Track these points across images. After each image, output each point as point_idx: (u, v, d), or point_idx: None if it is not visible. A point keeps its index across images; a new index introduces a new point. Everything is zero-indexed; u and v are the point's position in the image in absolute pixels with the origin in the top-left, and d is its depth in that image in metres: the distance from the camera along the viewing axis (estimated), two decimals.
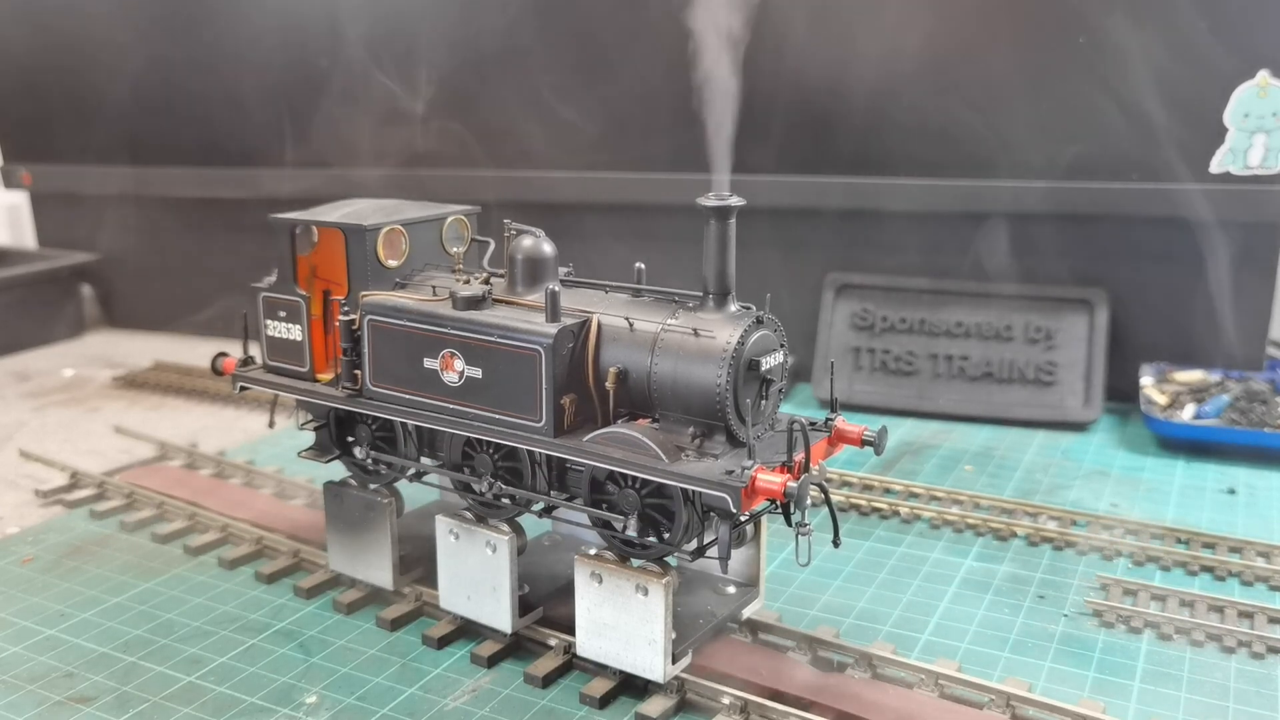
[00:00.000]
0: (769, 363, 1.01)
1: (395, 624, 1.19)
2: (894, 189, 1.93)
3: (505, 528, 1.11)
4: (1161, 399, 1.78)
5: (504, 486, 1.09)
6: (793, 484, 0.92)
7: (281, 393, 1.23)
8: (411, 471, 1.20)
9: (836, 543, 1.02)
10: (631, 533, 1.01)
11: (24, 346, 2.43)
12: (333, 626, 1.20)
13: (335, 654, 1.14)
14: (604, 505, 1.04)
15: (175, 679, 1.10)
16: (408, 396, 1.11)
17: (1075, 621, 1.20)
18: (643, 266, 1.12)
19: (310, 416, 1.26)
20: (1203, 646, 1.14)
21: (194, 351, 2.33)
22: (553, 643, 1.12)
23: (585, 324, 1.04)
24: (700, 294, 1.03)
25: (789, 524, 0.98)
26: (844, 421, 1.07)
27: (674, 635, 1.03)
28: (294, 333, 1.20)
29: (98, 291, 2.65)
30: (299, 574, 1.31)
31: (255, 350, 1.27)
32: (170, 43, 2.36)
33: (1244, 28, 1.74)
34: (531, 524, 1.21)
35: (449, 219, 1.23)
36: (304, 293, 1.19)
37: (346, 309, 1.13)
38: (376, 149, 2.28)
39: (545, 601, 1.16)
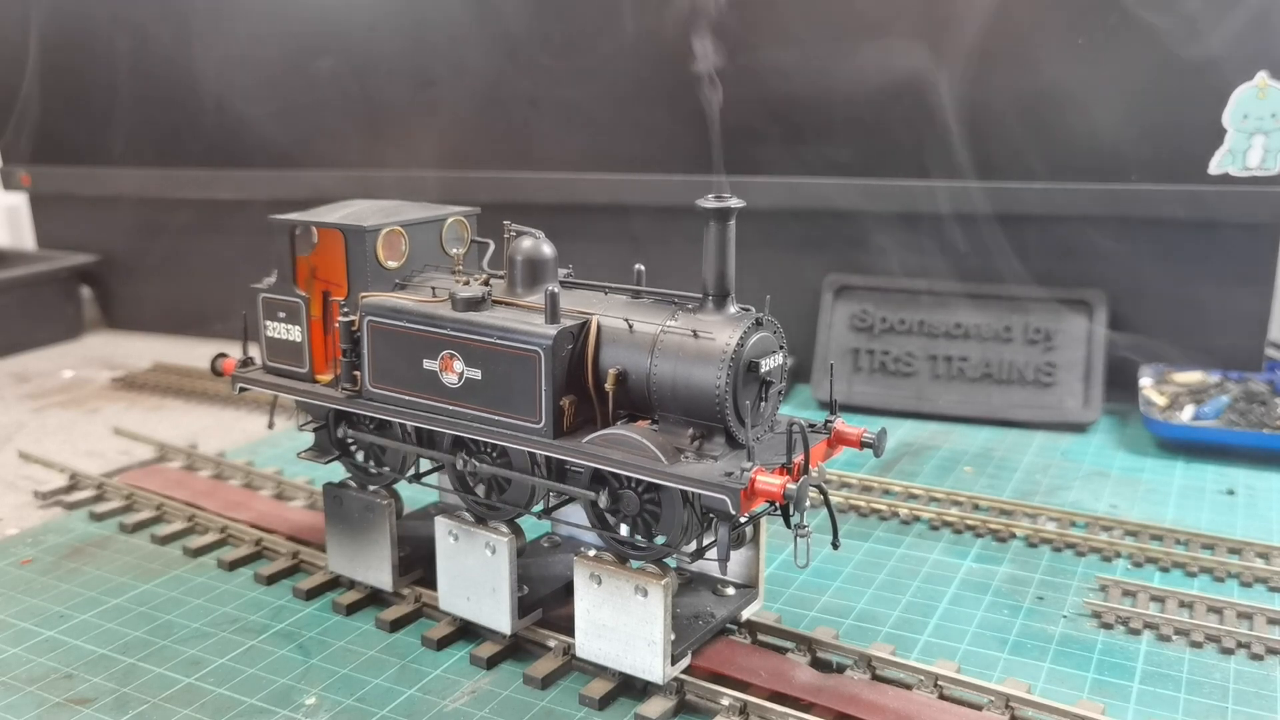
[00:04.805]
0: (768, 364, 1.01)
1: (394, 625, 1.19)
2: (893, 190, 1.93)
3: (504, 529, 1.11)
4: (1161, 400, 1.78)
5: (479, 466, 1.09)
6: (792, 486, 0.92)
7: (281, 394, 1.23)
8: (410, 472, 1.20)
9: (836, 544, 1.02)
10: (603, 505, 1.01)
11: (23, 348, 2.43)
12: (332, 628, 1.20)
13: (334, 655, 1.14)
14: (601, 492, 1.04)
15: (174, 680, 1.10)
16: (407, 398, 1.11)
17: (1074, 623, 1.20)
18: (642, 268, 1.12)
19: (310, 418, 1.26)
20: (1202, 648, 1.14)
21: (193, 353, 2.33)
22: (552, 644, 1.12)
23: (585, 325, 1.04)
24: (700, 295, 1.03)
25: (788, 525, 0.98)
26: (843, 423, 1.07)
27: (673, 636, 1.03)
28: (293, 334, 1.20)
29: (97, 293, 2.65)
30: (298, 575, 1.31)
31: (255, 351, 1.27)
32: (169, 44, 2.36)
33: (1243, 28, 1.74)
34: (531, 525, 1.21)
35: (448, 220, 1.23)
36: (303, 294, 1.19)
37: (346, 310, 1.13)
38: (376, 150, 2.29)
39: (544, 603, 1.16)
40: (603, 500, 1.02)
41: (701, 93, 0.99)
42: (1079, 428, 1.83)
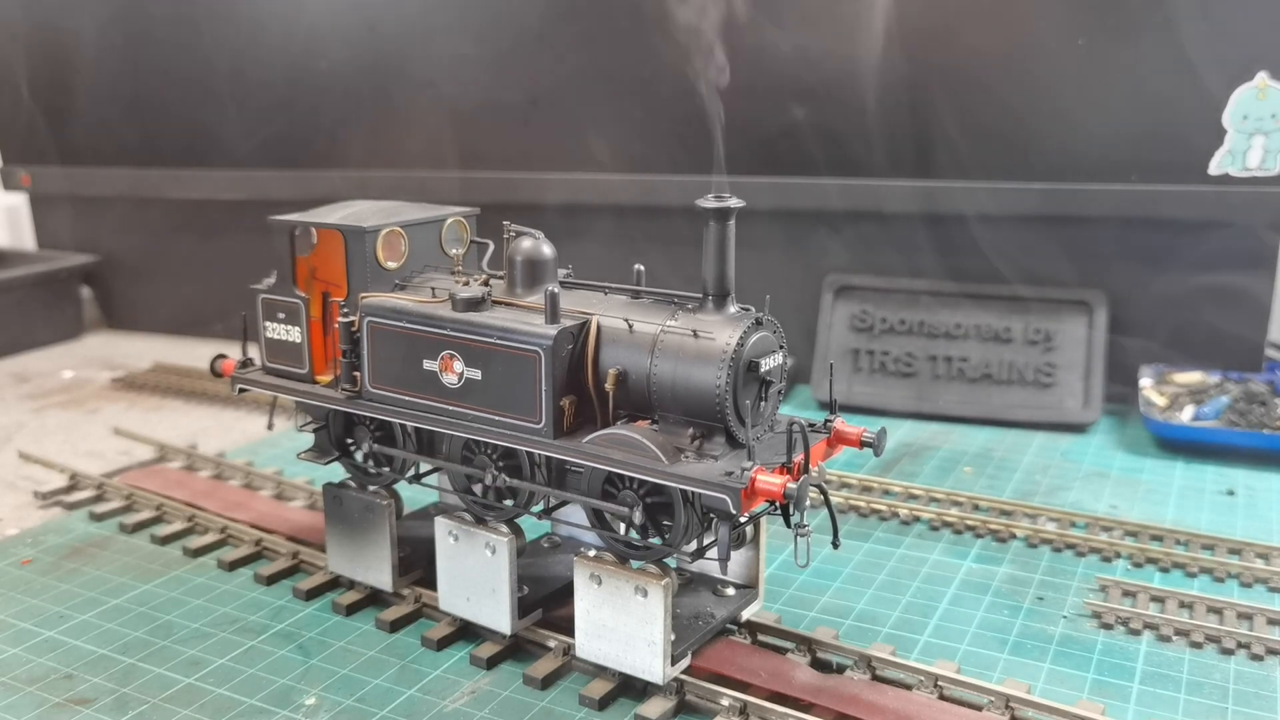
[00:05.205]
0: (768, 364, 1.01)
1: (394, 625, 1.19)
2: (893, 190, 1.93)
3: (504, 529, 1.11)
4: (1161, 400, 1.78)
5: (508, 480, 1.09)
6: (792, 485, 0.92)
7: (280, 394, 1.23)
8: (410, 473, 1.20)
9: (836, 544, 1.02)
10: (637, 520, 1.01)
11: (23, 348, 2.43)
12: (332, 628, 1.20)
13: (334, 656, 1.14)
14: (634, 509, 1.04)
15: (174, 680, 1.10)
16: (407, 398, 1.11)
17: (1074, 623, 1.20)
18: (642, 268, 1.12)
19: (309, 418, 1.26)
20: (1202, 648, 1.14)
21: (193, 353, 2.33)
22: (552, 644, 1.12)
23: (585, 325, 1.04)
24: (700, 296, 1.03)
25: (788, 525, 0.98)
26: (843, 423, 1.07)
27: (673, 637, 1.03)
28: (293, 334, 1.20)
29: (97, 293, 2.65)
30: (298, 575, 1.31)
31: (254, 352, 1.27)
32: (170, 44, 2.36)
33: (1243, 29, 1.74)
34: (531, 526, 1.21)
35: (448, 220, 1.23)
36: (303, 294, 1.19)
37: (346, 311, 1.13)
38: (376, 151, 2.29)
39: (544, 603, 1.16)
40: (637, 517, 1.01)
41: (703, 93, 0.99)
42: (1079, 428, 1.83)
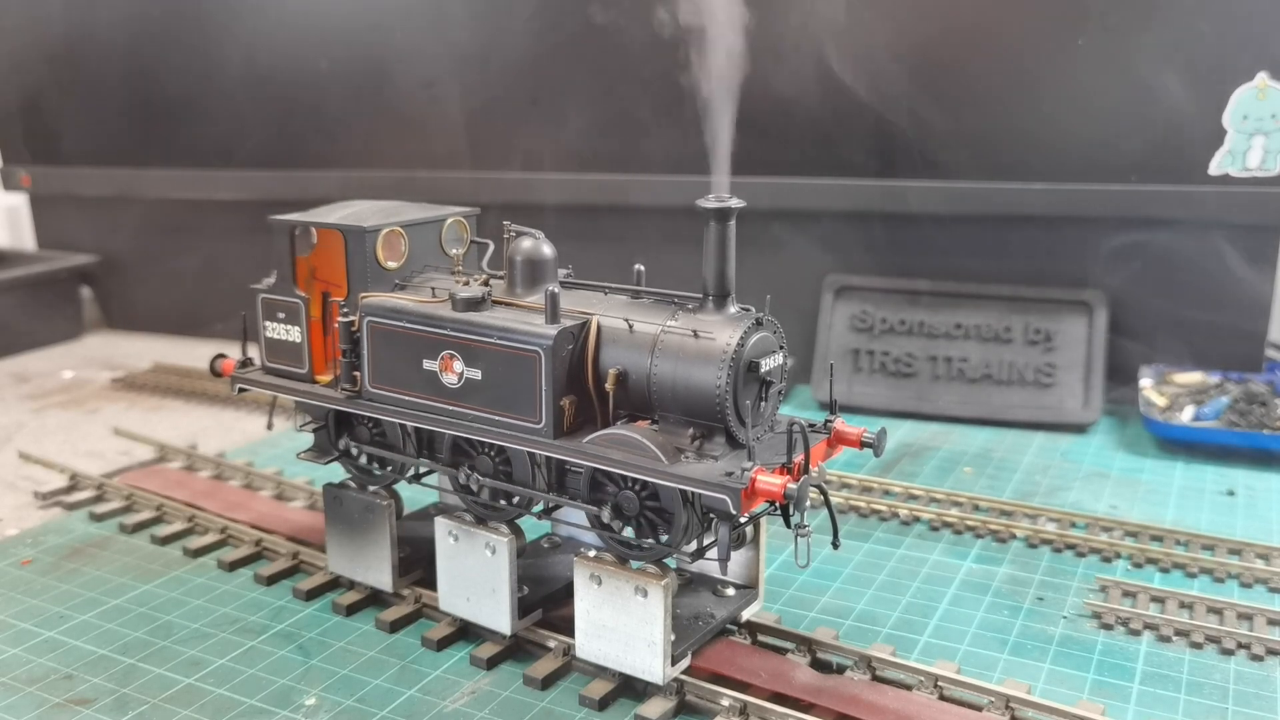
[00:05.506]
0: (768, 364, 1.01)
1: (394, 626, 1.19)
2: (893, 191, 1.93)
3: (505, 529, 1.11)
4: (1161, 401, 1.78)
5: (481, 479, 1.09)
6: (792, 485, 0.92)
7: (280, 394, 1.23)
8: (410, 473, 1.20)
9: (836, 544, 1.02)
10: (606, 518, 1.01)
11: (23, 348, 2.43)
12: (332, 628, 1.20)
13: (334, 656, 1.14)
14: (604, 507, 1.04)
15: (174, 681, 1.10)
16: (407, 398, 1.11)
17: (1074, 623, 1.20)
18: (642, 268, 1.12)
19: (309, 418, 1.26)
20: (1202, 648, 1.14)
21: (193, 353, 2.33)
22: (552, 644, 1.12)
23: (585, 325, 1.04)
24: (700, 296, 1.03)
25: (788, 526, 0.98)
26: (843, 423, 1.07)
27: (673, 637, 1.03)
28: (293, 334, 1.20)
29: (97, 293, 2.65)
30: (298, 576, 1.31)
31: (254, 352, 1.27)
32: (169, 45, 2.36)
33: (1242, 29, 1.74)
34: (531, 526, 1.21)
35: (448, 221, 1.23)
36: (303, 294, 1.19)
37: (345, 310, 1.13)
38: (376, 151, 2.29)
39: (544, 603, 1.16)
40: (605, 515, 1.01)
41: (703, 93, 0.99)
42: (1079, 428, 1.83)
